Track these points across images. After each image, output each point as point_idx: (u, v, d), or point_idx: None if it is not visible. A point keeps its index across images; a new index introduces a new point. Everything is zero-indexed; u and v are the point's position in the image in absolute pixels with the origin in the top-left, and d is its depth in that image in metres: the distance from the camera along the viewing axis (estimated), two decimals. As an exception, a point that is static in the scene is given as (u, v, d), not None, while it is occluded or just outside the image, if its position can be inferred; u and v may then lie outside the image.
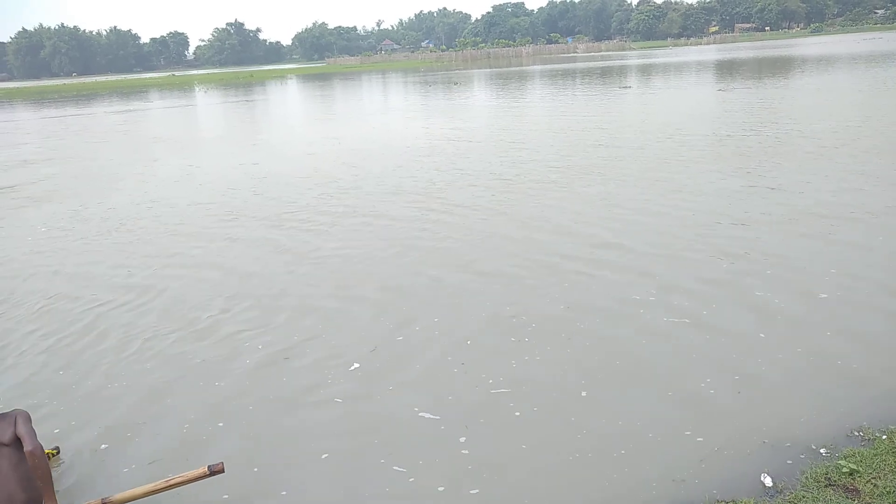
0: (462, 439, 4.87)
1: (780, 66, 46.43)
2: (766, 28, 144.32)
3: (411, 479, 4.49)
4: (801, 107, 22.76)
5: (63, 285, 8.86)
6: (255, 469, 4.70)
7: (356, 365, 6.10)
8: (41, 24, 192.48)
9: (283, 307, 7.60)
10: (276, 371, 6.11)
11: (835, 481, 4.07)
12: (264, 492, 4.47)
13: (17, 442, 3.64)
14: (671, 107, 26.16)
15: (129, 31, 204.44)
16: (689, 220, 9.94)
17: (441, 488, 4.38)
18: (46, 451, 4.13)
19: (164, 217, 12.34)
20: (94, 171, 18.57)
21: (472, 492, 4.34)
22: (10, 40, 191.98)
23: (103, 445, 5.04)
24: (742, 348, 5.93)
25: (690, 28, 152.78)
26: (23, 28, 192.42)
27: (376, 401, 5.49)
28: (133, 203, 13.76)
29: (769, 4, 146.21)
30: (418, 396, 5.49)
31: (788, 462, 4.37)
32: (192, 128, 32.79)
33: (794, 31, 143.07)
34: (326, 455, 4.81)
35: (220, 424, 5.28)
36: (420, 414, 5.24)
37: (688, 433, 4.76)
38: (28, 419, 3.73)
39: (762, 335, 6.16)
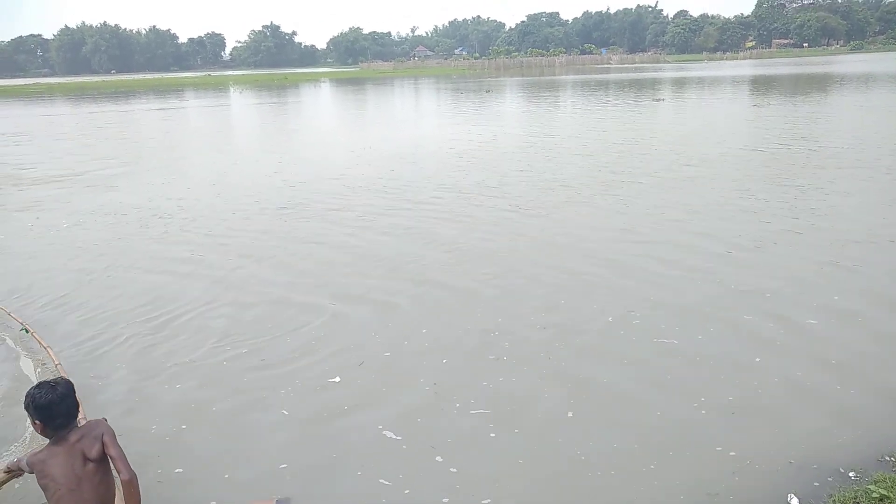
0: (519, 459, 4.86)
1: (817, 83, 45.71)
2: (805, 45, 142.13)
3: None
4: (838, 125, 22.38)
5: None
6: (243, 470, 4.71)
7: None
8: (83, 22, 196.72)
9: (254, 305, 7.69)
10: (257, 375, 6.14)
11: (863, 506, 3.98)
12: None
13: (103, 459, 3.41)
14: (703, 121, 25.89)
15: (168, 30, 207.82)
16: (708, 239, 9.83)
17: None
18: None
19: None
20: (181, 166, 18.95)
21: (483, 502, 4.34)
22: (53, 37, 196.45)
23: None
24: (764, 368, 5.85)
25: (727, 42, 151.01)
26: (65, 25, 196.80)
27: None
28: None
29: (809, 21, 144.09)
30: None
31: (815, 484, 4.28)
32: (217, 131, 33.22)
33: (833, 48, 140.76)
34: (285, 466, 4.84)
35: (183, 427, 5.33)
36: (472, 411, 5.24)
37: (719, 449, 4.71)
38: (115, 436, 3.48)
39: (787, 355, 6.07)
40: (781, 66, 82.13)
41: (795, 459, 4.53)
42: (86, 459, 3.35)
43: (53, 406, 3.30)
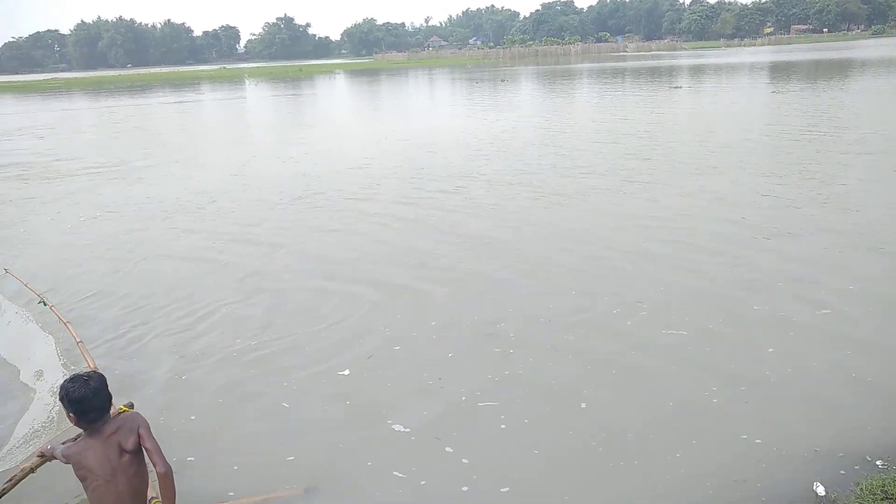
0: (534, 450, 4.88)
1: (838, 69, 45.05)
2: (825, 30, 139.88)
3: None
4: (861, 110, 22.08)
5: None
6: (236, 467, 4.76)
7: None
8: (99, 17, 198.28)
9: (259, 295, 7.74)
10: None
11: (892, 494, 3.96)
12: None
13: (138, 451, 3.45)
14: (723, 107, 25.64)
15: (183, 24, 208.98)
16: (731, 231, 9.76)
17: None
18: (121, 406, 4.17)
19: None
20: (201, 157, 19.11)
21: (503, 490, 4.37)
22: (69, 32, 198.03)
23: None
24: (785, 356, 5.82)
25: (744, 29, 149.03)
26: (82, 20, 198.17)
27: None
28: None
29: (828, 5, 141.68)
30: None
31: (842, 472, 4.27)
32: (236, 124, 33.36)
33: (853, 32, 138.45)
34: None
35: (192, 417, 5.41)
36: (481, 403, 5.28)
37: (744, 436, 4.71)
38: (150, 428, 3.52)
39: (806, 343, 6.04)
40: (801, 51, 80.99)
41: (821, 447, 4.52)
42: (122, 451, 3.39)
43: (86, 400, 3.33)
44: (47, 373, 6.23)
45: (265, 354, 6.45)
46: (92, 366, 5.18)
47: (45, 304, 7.02)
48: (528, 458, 4.67)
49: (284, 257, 9.44)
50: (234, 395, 5.75)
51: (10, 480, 3.79)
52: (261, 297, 7.95)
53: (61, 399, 3.39)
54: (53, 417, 5.32)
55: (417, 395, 5.56)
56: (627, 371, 5.77)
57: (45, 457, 3.74)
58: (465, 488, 4.38)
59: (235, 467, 4.73)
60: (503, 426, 5.04)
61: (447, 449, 4.79)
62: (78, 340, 5.83)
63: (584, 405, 5.27)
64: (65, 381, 3.42)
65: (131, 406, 4.11)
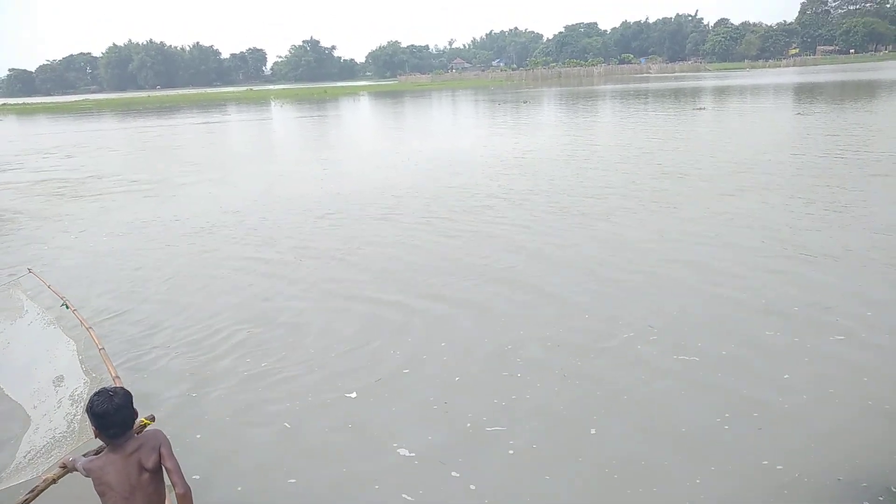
0: (544, 477, 4.86)
1: (865, 91, 44.56)
2: (851, 51, 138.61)
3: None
4: (889, 133, 21.80)
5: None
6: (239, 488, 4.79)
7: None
8: (130, 40, 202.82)
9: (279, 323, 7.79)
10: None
11: (916, 526, 3.88)
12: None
13: (158, 470, 3.48)
14: (746, 129, 25.47)
15: (211, 46, 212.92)
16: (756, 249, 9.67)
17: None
18: (142, 419, 4.15)
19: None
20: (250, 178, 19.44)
21: None
22: (101, 55, 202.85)
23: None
24: (809, 381, 5.74)
25: (769, 50, 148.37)
26: (113, 44, 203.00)
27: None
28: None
29: (855, 26, 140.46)
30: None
31: (865, 503, 4.19)
32: (263, 144, 33.80)
33: (881, 53, 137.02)
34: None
35: (198, 436, 5.46)
36: (487, 428, 5.27)
37: (765, 463, 4.65)
38: (171, 447, 3.54)
39: (824, 370, 5.95)
40: (826, 73, 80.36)
41: (844, 476, 4.45)
42: (142, 469, 3.42)
43: (108, 416, 3.37)
44: (68, 379, 6.20)
45: (274, 375, 6.48)
46: (113, 374, 5.21)
47: (67, 307, 7.07)
48: (539, 484, 4.64)
49: (307, 276, 9.53)
50: (239, 415, 5.78)
51: (33, 491, 3.81)
52: (279, 314, 8.03)
53: (87, 410, 3.46)
54: (75, 427, 5.32)
55: (423, 420, 5.53)
56: (638, 397, 5.72)
57: (67, 468, 3.77)
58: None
59: (239, 488, 4.76)
60: (511, 451, 5.01)
61: (453, 474, 4.78)
62: (100, 347, 5.82)
63: (593, 431, 5.23)
64: (92, 394, 3.47)
65: (153, 419, 4.14)
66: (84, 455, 3.72)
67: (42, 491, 3.82)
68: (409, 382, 6.21)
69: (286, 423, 5.58)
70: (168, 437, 3.61)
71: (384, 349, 6.93)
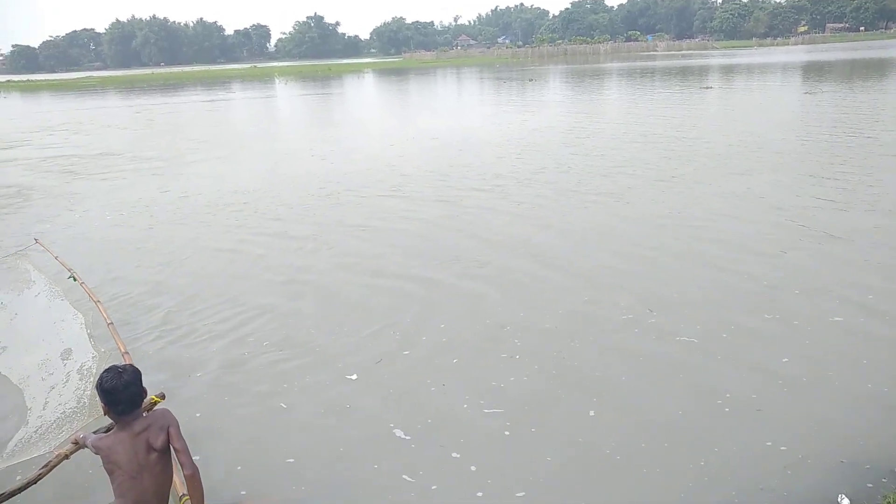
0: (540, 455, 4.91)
1: (875, 69, 44.09)
2: (861, 28, 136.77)
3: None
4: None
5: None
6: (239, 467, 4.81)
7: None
8: (133, 16, 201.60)
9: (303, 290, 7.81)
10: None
11: (919, 508, 3.91)
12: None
13: (166, 450, 3.50)
14: (753, 108, 25.27)
15: (215, 22, 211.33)
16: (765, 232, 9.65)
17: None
18: (153, 397, 4.18)
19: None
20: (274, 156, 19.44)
21: (518, 495, 4.39)
22: (104, 31, 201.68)
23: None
24: (809, 365, 5.76)
25: (778, 27, 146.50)
26: (116, 19, 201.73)
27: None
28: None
29: (865, 3, 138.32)
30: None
31: (868, 485, 4.22)
32: (268, 122, 33.68)
33: (892, 31, 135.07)
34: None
35: (197, 415, 5.46)
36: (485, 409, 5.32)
37: (769, 443, 4.68)
38: (179, 427, 3.57)
39: (826, 352, 5.97)
40: (836, 51, 79.40)
41: (847, 458, 4.47)
42: (150, 449, 3.44)
43: (116, 392, 3.38)
44: (76, 353, 6.23)
45: (274, 354, 6.49)
46: (122, 349, 5.24)
47: (74, 280, 7.04)
48: (540, 464, 4.65)
49: (313, 255, 9.55)
50: (237, 394, 5.79)
51: (45, 466, 3.84)
52: (281, 294, 8.05)
53: (96, 387, 3.47)
54: (85, 403, 5.36)
55: (421, 402, 5.53)
56: (638, 378, 5.72)
57: (78, 444, 3.80)
58: (479, 494, 4.40)
59: (239, 468, 4.78)
60: (507, 433, 5.03)
61: (454, 455, 4.80)
62: (108, 322, 5.83)
63: (592, 413, 5.24)
64: (102, 371, 3.49)
65: (163, 396, 4.17)
66: (94, 432, 3.76)
67: (55, 466, 3.86)
68: (409, 364, 6.21)
69: (282, 404, 5.59)
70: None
71: (384, 329, 6.92)
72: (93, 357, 5.94)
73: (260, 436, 5.19)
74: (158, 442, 3.46)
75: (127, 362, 5.03)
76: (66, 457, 3.87)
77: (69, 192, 15.10)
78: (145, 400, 3.68)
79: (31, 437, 5.05)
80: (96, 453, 3.52)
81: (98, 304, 6.28)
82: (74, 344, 6.40)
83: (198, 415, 5.46)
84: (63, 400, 5.53)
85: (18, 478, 4.43)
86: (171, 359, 6.49)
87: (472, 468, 4.65)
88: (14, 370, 6.19)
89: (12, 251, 9.36)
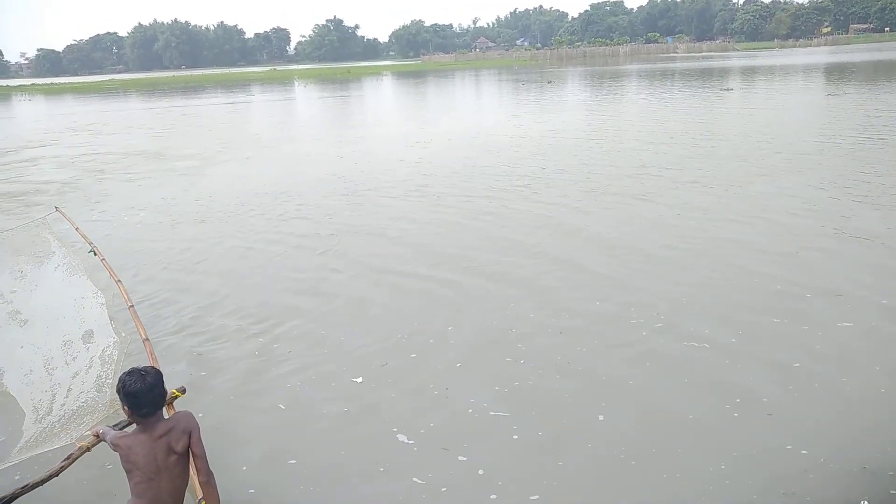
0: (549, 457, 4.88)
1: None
2: (886, 29, 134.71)
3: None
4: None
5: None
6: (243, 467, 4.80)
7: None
8: (155, 20, 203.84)
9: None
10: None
11: (943, 515, 3.85)
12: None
13: (185, 453, 3.52)
14: (774, 110, 24.97)
15: (235, 26, 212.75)
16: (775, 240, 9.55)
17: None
18: (174, 391, 4.17)
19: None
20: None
21: (532, 498, 4.36)
22: (127, 34, 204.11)
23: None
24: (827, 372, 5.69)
25: (800, 29, 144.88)
26: (139, 23, 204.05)
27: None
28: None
29: (891, 3, 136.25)
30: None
31: (892, 492, 4.16)
32: (291, 124, 33.90)
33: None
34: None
35: (199, 415, 5.39)
36: (493, 411, 5.29)
37: (789, 447, 4.63)
38: (200, 432, 3.59)
39: (839, 357, 5.89)
40: (860, 52, 78.35)
41: (869, 464, 4.41)
42: (170, 452, 3.46)
43: (141, 395, 3.40)
44: (97, 336, 6.14)
45: (281, 355, 6.51)
46: (143, 335, 5.24)
47: (94, 255, 6.96)
48: (552, 468, 4.62)
49: (333, 256, 9.59)
50: (242, 396, 5.81)
51: (68, 458, 3.87)
52: (292, 295, 8.10)
53: (118, 391, 3.48)
54: (106, 392, 5.32)
55: (426, 406, 5.50)
56: (648, 382, 5.67)
57: (99, 437, 3.83)
58: (493, 496, 4.37)
59: (244, 468, 4.79)
60: (515, 437, 4.99)
61: (460, 458, 4.77)
62: (129, 304, 5.81)
63: (601, 417, 5.19)
64: (123, 373, 3.51)
65: (184, 391, 4.20)
66: (114, 426, 3.77)
67: (76, 458, 3.89)
68: (415, 368, 6.17)
69: (280, 405, 5.60)
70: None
71: (393, 332, 6.91)
72: (114, 342, 5.81)
73: (261, 436, 5.19)
74: (180, 445, 3.48)
75: (147, 349, 5.03)
76: (88, 449, 3.90)
77: (97, 191, 15.39)
78: (168, 394, 3.70)
79: (54, 426, 5.03)
80: (115, 450, 3.53)
81: (119, 283, 6.24)
82: (95, 325, 6.27)
83: (200, 415, 5.44)
84: (85, 387, 5.45)
85: (36, 467, 4.48)
86: (186, 351, 6.56)
87: (480, 472, 4.61)
88: (40, 350, 6.12)
89: (33, 220, 9.30)
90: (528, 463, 4.70)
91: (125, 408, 3.48)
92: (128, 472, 3.47)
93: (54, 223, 8.61)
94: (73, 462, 3.88)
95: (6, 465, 4.49)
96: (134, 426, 3.57)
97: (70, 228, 8.15)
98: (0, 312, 6.96)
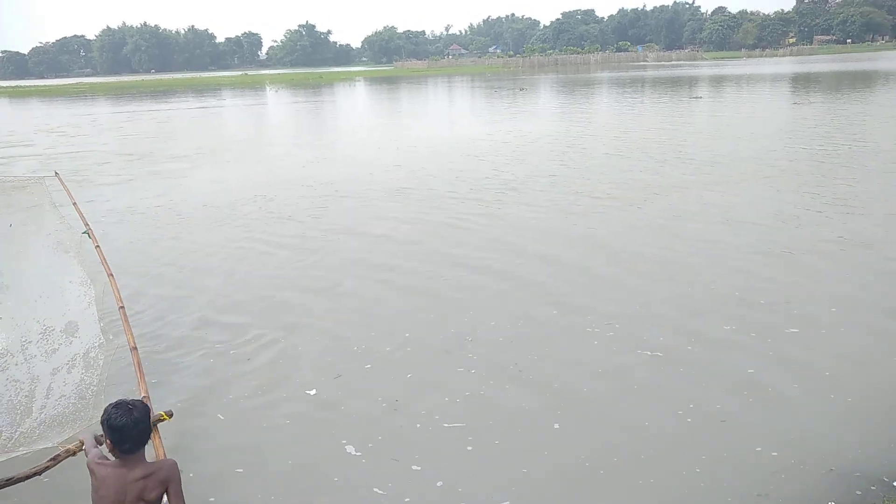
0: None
1: (861, 80, 44.55)
2: (848, 41, 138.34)
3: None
4: (888, 124, 21.85)
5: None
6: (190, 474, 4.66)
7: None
8: (124, 23, 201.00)
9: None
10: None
11: (908, 516, 3.95)
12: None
13: (157, 501, 3.38)
14: (743, 119, 25.43)
15: (206, 30, 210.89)
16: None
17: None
18: (161, 413, 4.03)
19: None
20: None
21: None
22: (95, 37, 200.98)
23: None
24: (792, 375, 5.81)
25: (766, 39, 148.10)
26: (107, 26, 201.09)
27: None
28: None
29: (852, 16, 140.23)
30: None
31: (857, 493, 4.26)
32: (262, 129, 33.66)
33: (878, 43, 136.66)
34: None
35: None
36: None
37: (758, 449, 4.70)
38: (180, 484, 3.46)
39: (809, 358, 6.02)
40: (823, 62, 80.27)
41: (836, 467, 4.51)
42: (140, 498, 3.33)
43: (125, 430, 3.29)
44: (82, 331, 5.81)
45: (243, 363, 6.46)
46: (132, 344, 5.01)
47: (88, 237, 6.71)
48: (517, 476, 4.60)
49: (297, 264, 9.54)
50: (199, 403, 5.74)
51: (54, 459, 3.79)
52: (255, 303, 8.04)
53: (101, 422, 3.36)
54: (89, 400, 5.06)
55: (380, 417, 5.44)
56: (609, 389, 5.70)
57: (99, 442, 3.70)
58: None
59: (191, 474, 4.61)
60: (470, 448, 4.96)
61: (414, 467, 4.75)
62: (120, 304, 5.62)
63: (557, 426, 5.18)
64: (109, 405, 3.38)
65: (171, 414, 4.12)
66: (96, 437, 3.63)
67: (61, 461, 3.82)
68: (370, 378, 6.13)
69: (246, 418, 5.51)
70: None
71: (344, 344, 6.85)
72: (100, 344, 5.50)
73: (216, 448, 5.10)
74: (152, 495, 3.35)
75: (135, 360, 4.85)
76: (74, 453, 3.81)
77: (78, 193, 15.02)
78: (155, 416, 3.62)
79: (35, 429, 4.84)
80: (89, 473, 3.40)
81: (111, 277, 6.05)
82: (80, 319, 5.92)
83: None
84: (67, 391, 5.19)
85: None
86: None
87: (439, 483, 4.58)
88: (17, 329, 5.86)
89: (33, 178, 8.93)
90: (491, 470, 4.68)
91: (107, 440, 3.35)
92: (94, 501, 3.34)
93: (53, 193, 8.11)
94: (57, 463, 3.81)
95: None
96: None
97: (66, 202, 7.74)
98: None
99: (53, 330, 5.83)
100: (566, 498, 4.42)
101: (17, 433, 4.81)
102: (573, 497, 4.43)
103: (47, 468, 3.78)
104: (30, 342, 5.71)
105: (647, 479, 4.51)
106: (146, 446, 3.40)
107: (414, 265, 9.21)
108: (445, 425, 5.25)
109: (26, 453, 4.47)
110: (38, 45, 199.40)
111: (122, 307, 5.54)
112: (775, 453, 4.67)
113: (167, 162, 20.01)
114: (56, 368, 5.41)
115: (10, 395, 5.23)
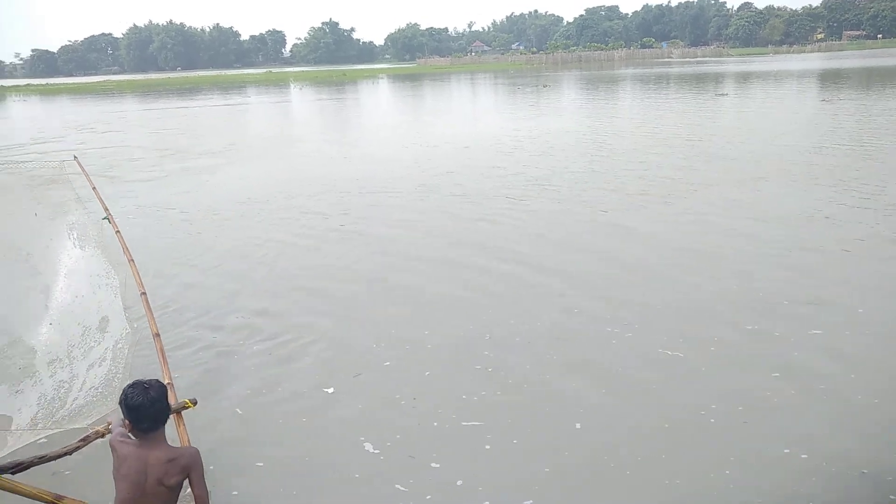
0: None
1: (893, 77, 43.74)
2: (879, 36, 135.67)
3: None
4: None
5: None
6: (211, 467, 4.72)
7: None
8: (150, 21, 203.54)
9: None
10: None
11: (941, 520, 3.91)
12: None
13: (176, 488, 3.43)
14: (768, 116, 25.12)
15: (231, 28, 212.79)
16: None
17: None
18: (185, 401, 4.12)
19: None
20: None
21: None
22: (122, 36, 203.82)
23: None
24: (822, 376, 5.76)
25: (794, 35, 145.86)
26: (134, 24, 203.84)
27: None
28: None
29: (883, 10, 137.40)
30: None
31: (891, 497, 4.22)
32: (291, 126, 33.89)
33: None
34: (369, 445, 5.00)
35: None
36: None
37: (786, 451, 4.67)
38: (203, 471, 3.50)
39: (829, 361, 5.96)
40: (853, 58, 78.81)
41: (869, 469, 4.47)
42: (160, 482, 3.36)
43: (143, 409, 3.33)
44: (112, 324, 5.89)
45: (261, 359, 6.47)
46: (154, 329, 5.11)
47: (108, 222, 6.75)
48: (538, 476, 4.57)
49: (320, 260, 9.59)
50: (218, 397, 5.76)
51: (84, 439, 3.89)
52: (274, 300, 8.07)
53: (119, 403, 3.42)
54: (115, 385, 5.10)
55: (397, 416, 5.41)
56: (629, 389, 5.65)
57: (109, 428, 3.80)
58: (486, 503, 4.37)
59: (211, 467, 4.55)
60: (488, 447, 4.93)
61: (433, 465, 4.74)
62: (142, 291, 5.65)
63: (578, 426, 5.14)
64: (126, 385, 3.46)
65: (195, 402, 4.20)
66: (122, 422, 3.71)
67: (91, 441, 3.92)
68: (388, 377, 6.10)
69: (258, 419, 5.48)
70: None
71: (364, 339, 6.86)
72: (126, 334, 5.60)
73: (224, 449, 5.07)
74: (172, 480, 3.39)
75: (158, 346, 4.96)
76: (102, 435, 3.90)
77: (111, 189, 15.30)
78: (179, 403, 3.70)
79: (70, 410, 4.98)
80: (111, 450, 3.45)
81: (132, 263, 6.11)
82: (110, 311, 6.01)
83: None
84: (96, 383, 5.29)
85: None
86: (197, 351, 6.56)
87: (459, 482, 4.56)
88: (64, 334, 5.98)
89: (51, 164, 9.01)
90: (511, 470, 4.66)
91: (126, 421, 3.41)
92: (115, 478, 3.37)
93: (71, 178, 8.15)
94: (87, 444, 3.92)
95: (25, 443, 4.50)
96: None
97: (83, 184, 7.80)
98: (22, 267, 6.69)
99: (90, 329, 5.93)
100: (591, 498, 4.41)
101: (51, 422, 4.96)
102: (598, 497, 4.41)
103: (77, 448, 3.89)
104: (73, 346, 5.82)
105: (674, 480, 4.49)
106: (171, 435, 3.49)
107: (436, 261, 9.22)
108: (463, 424, 5.25)
109: (59, 431, 4.60)
110: (68, 43, 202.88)
111: (144, 293, 5.57)
112: (805, 455, 4.64)
113: (199, 157, 20.35)
114: (91, 364, 5.53)
115: (53, 392, 5.36)
